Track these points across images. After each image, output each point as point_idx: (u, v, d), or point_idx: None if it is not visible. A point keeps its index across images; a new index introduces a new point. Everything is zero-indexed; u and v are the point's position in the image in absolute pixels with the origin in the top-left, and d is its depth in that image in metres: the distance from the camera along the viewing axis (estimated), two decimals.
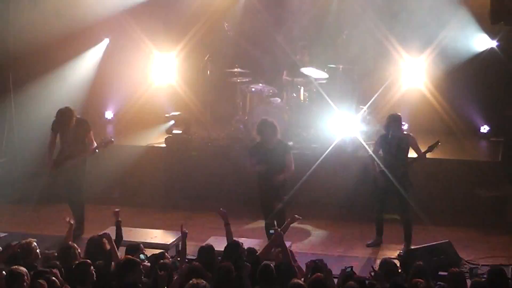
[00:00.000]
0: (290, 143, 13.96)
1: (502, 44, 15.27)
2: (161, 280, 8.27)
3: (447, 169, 13.95)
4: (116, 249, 9.25)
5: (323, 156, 13.88)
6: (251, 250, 9.65)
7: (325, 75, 15.49)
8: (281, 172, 11.71)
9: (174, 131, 15.60)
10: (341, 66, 15.74)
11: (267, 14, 16.93)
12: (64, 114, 12.51)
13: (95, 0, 15.87)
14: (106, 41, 17.06)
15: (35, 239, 9.42)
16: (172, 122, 15.98)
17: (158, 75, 17.31)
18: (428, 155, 12.01)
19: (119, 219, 9.98)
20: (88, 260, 8.63)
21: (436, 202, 13.50)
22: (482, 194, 13.61)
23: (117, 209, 10.13)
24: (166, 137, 15.44)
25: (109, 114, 17.67)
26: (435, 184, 13.68)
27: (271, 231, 10.24)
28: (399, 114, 12.26)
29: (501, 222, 13.29)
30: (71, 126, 12.53)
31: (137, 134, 15.65)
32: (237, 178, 14.27)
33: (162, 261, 8.92)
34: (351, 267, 8.84)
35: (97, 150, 12.63)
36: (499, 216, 13.49)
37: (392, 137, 12.10)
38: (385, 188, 12.06)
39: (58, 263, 8.84)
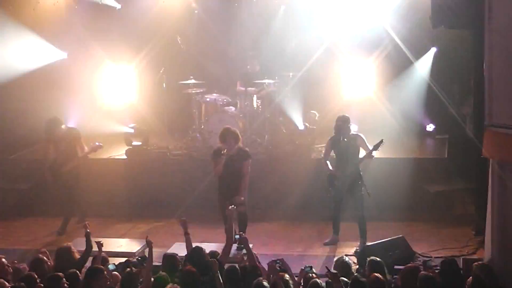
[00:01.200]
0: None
1: (444, 47, 15.66)
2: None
3: (397, 167, 14.20)
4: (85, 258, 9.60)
5: (278, 160, 14.53)
6: (213, 253, 9.93)
7: (277, 83, 15.94)
8: (240, 183, 12.09)
9: (134, 143, 15.74)
10: (291, 74, 16.20)
11: (218, 26, 17.19)
12: (52, 123, 13.09)
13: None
14: (64, 55, 17.11)
15: (3, 255, 9.61)
16: (131, 132, 16.33)
17: (116, 88, 17.44)
18: (379, 155, 12.37)
19: (88, 230, 10.16)
20: (60, 274, 8.74)
21: (388, 199, 13.66)
22: (431, 189, 14.01)
23: (87, 222, 10.51)
24: (126, 149, 15.64)
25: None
26: (387, 182, 13.82)
27: (237, 236, 10.46)
28: (347, 115, 12.57)
29: (450, 215, 13.75)
30: (61, 134, 13.04)
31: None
32: (196, 185, 14.28)
33: (128, 269, 9.09)
34: (311, 266, 9.16)
35: (88, 155, 13.21)
36: (448, 210, 13.95)
37: (342, 137, 12.42)
38: (339, 187, 12.35)
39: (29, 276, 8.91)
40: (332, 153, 12.76)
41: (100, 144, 13.27)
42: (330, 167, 12.48)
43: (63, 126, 13.27)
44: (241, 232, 10.61)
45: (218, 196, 12.31)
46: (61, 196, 13.67)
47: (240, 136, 12.36)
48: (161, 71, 16.72)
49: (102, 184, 14.95)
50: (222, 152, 11.88)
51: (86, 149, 13.21)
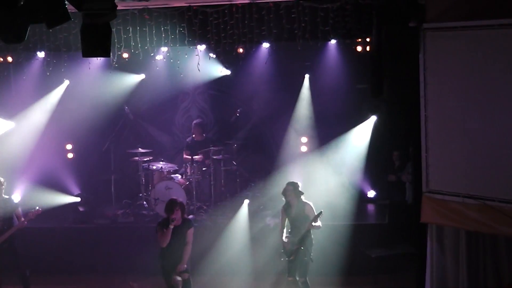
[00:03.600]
0: (191, 217, 14.50)
1: (384, 115, 15.85)
2: None
3: (339, 233, 14.25)
4: None
5: (224, 227, 14.53)
6: None
7: (222, 151, 16.20)
8: (183, 251, 12.08)
9: (81, 210, 15.89)
10: (235, 143, 16.63)
11: (165, 95, 17.49)
12: None
13: None
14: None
15: None
16: (78, 200, 16.34)
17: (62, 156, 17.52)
18: (322, 221, 12.42)
19: None
20: None
21: (330, 264, 13.68)
22: (372, 254, 14.16)
23: None
24: (73, 217, 15.64)
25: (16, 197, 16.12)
26: (329, 248, 13.86)
27: None
28: (297, 182, 12.71)
29: (391, 280, 13.93)
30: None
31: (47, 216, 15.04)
32: (143, 250, 14.11)
33: None
34: None
35: (25, 223, 12.83)
36: (388, 274, 14.12)
37: (292, 204, 12.54)
38: (289, 254, 12.38)
39: None
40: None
41: (39, 209, 12.95)
42: (284, 236, 12.55)
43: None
44: None
45: (162, 264, 12.19)
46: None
47: (185, 207, 12.45)
48: (108, 141, 16.79)
49: (48, 253, 14.79)
50: (170, 224, 11.89)
51: (23, 218, 12.89)
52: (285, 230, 12.61)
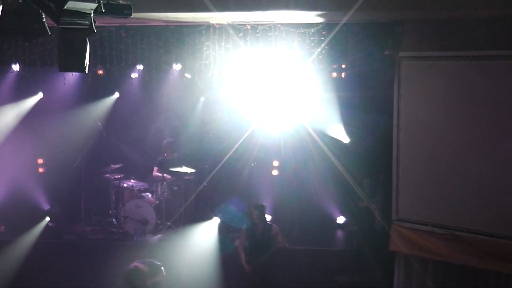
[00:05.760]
0: (159, 235, 14.81)
1: (354, 140, 15.80)
2: None
3: (307, 258, 14.30)
4: None
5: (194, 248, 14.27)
6: None
7: (192, 171, 16.14)
8: None
9: (50, 225, 15.73)
10: (207, 164, 16.67)
11: (138, 112, 17.59)
12: None
13: None
14: None
15: None
16: (47, 219, 16.14)
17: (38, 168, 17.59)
18: (293, 246, 12.66)
19: None
20: None
21: None
22: (339, 280, 14.12)
23: None
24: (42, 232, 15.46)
25: None
26: (297, 273, 13.86)
27: None
28: (263, 204, 12.81)
29: None
30: None
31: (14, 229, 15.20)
32: (110, 269, 13.32)
33: None
34: None
35: None
36: None
37: (256, 227, 12.63)
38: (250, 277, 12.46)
39: None
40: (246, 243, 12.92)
41: (2, 227, 12.91)
42: (244, 259, 12.58)
43: None
44: None
45: None
46: None
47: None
48: (79, 159, 16.63)
49: (14, 268, 14.38)
50: None
51: None
52: (243, 254, 12.68)
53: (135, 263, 9.89)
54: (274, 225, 12.74)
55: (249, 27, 12.26)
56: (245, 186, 16.74)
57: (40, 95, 16.87)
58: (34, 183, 17.20)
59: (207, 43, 12.49)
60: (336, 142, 15.55)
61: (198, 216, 16.16)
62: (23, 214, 15.92)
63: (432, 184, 11.06)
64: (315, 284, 13.93)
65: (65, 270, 14.50)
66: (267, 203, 15.19)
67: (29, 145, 17.04)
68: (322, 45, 12.07)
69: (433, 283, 11.26)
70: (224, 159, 15.99)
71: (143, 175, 16.86)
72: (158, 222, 15.48)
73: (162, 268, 10.14)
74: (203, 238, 15.05)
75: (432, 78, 11.05)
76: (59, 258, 14.77)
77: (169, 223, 15.63)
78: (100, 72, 14.68)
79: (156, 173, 16.45)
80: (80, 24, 7.42)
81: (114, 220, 16.00)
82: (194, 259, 14.31)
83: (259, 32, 12.24)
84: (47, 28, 7.69)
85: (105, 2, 7.63)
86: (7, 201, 16.29)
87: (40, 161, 17.82)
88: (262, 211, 12.80)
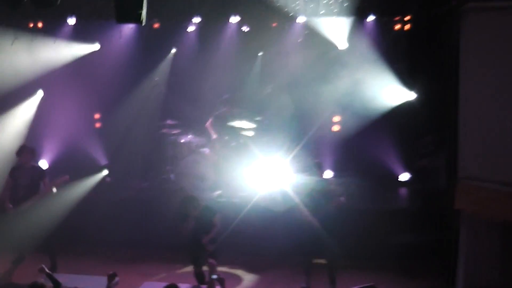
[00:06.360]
0: (219, 192, 14.72)
1: (419, 98, 15.57)
2: None
3: (369, 218, 14.16)
4: None
5: (251, 203, 14.00)
6: None
7: (252, 126, 15.81)
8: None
9: (107, 179, 15.90)
10: (267, 118, 16.25)
11: (196, 68, 17.14)
12: (22, 151, 12.83)
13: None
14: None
15: None
16: (106, 172, 16.28)
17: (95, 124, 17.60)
18: (351, 205, 12.26)
19: (46, 271, 9.91)
20: None
21: (360, 249, 13.56)
22: (402, 240, 13.93)
23: (41, 266, 10.03)
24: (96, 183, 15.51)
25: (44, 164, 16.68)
26: (361, 231, 13.79)
27: (214, 276, 10.55)
28: (320, 161, 12.53)
29: (421, 266, 13.61)
30: (28, 164, 12.79)
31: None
32: (167, 224, 13.93)
33: None
34: None
35: (54, 190, 12.80)
36: (418, 261, 13.75)
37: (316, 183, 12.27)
38: (312, 234, 12.06)
39: None
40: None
41: (67, 176, 12.97)
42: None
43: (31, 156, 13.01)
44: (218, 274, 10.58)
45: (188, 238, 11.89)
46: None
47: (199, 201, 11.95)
48: (137, 112, 16.70)
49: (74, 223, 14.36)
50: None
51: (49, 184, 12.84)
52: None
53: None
54: (328, 178, 12.55)
55: None
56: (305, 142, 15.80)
57: (97, 45, 16.75)
58: (91, 138, 17.22)
59: None
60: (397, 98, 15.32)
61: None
62: (80, 169, 15.86)
63: (501, 140, 10.72)
64: (377, 243, 13.85)
65: (122, 226, 14.64)
66: (326, 159, 15.13)
67: (86, 100, 17.02)
68: None
69: (500, 243, 11.02)
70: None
71: (201, 131, 16.59)
72: (216, 178, 15.29)
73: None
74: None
75: (503, 31, 10.58)
76: (115, 215, 14.87)
77: (228, 178, 15.36)
78: (156, 25, 14.42)
79: (209, 124, 16.17)
80: None
81: (171, 175, 15.84)
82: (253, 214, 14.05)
83: None
84: None
85: None
86: (65, 155, 16.52)
87: (96, 116, 17.79)
88: (320, 167, 12.59)
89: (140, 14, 7.89)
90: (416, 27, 14.64)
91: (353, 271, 13.00)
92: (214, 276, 10.57)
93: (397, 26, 15.09)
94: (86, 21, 14.15)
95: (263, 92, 17.01)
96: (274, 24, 14.87)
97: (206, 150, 15.91)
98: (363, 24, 15.27)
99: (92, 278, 12.35)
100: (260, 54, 17.27)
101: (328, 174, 12.85)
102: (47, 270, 9.91)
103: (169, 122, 16.36)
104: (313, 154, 14.69)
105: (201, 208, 11.56)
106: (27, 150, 12.95)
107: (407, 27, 14.85)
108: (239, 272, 13.55)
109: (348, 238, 12.57)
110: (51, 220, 13.10)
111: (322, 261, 12.41)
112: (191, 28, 16.40)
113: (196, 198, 11.62)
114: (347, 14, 13.98)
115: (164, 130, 16.32)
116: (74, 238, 14.49)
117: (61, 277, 10.03)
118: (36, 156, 13.64)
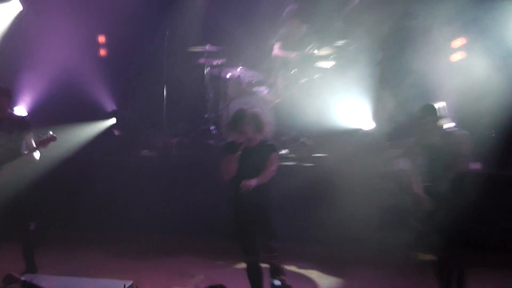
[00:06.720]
0: (285, 151, 12.34)
1: None
2: None
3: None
4: None
5: (334, 172, 11.49)
6: None
7: (332, 53, 13.12)
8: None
9: (116, 134, 14.12)
10: (352, 44, 13.38)
11: None
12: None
13: None
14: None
15: None
16: (113, 122, 14.29)
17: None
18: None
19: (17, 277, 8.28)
20: None
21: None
22: None
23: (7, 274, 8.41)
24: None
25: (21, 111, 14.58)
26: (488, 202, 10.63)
27: (276, 283, 8.61)
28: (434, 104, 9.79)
29: None
30: (2, 113, 10.49)
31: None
32: (215, 203, 11.56)
33: None
34: None
35: (37, 151, 10.50)
36: None
37: (431, 137, 9.63)
38: (428, 212, 9.20)
39: None
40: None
41: (53, 135, 10.39)
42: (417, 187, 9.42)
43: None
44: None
45: (236, 215, 9.06)
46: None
47: (264, 122, 9.56)
48: (166, 33, 14.18)
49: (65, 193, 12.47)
50: (239, 147, 9.25)
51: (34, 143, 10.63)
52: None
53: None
54: (458, 130, 9.59)
55: None
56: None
57: None
58: (93, 71, 14.73)
59: None
60: None
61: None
62: (77, 117, 13.66)
63: None
64: None
65: (139, 204, 12.17)
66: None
67: (86, 16, 14.56)
68: None
69: None
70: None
71: (256, 60, 13.95)
72: (279, 130, 12.77)
73: None
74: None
75: None
76: (130, 188, 12.27)
77: (296, 132, 13.03)
78: None
79: (277, 52, 13.33)
80: None
81: (213, 127, 13.53)
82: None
83: None
84: None
85: None
86: (54, 97, 14.13)
87: (101, 39, 15.40)
88: (433, 112, 9.86)
89: None
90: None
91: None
92: (277, 283, 8.59)
93: None
94: None
95: (346, 7, 13.82)
96: None
97: (263, 89, 13.45)
98: None
99: (98, 282, 9.41)
100: None
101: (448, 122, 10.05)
102: (18, 276, 8.36)
103: (208, 48, 13.66)
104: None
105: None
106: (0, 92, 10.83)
107: None
108: (312, 273, 10.71)
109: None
110: (32, 196, 10.56)
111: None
112: None
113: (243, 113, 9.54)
114: None
115: (202, 60, 13.76)
116: (69, 223, 12.43)
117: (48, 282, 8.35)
118: (13, 101, 11.48)
